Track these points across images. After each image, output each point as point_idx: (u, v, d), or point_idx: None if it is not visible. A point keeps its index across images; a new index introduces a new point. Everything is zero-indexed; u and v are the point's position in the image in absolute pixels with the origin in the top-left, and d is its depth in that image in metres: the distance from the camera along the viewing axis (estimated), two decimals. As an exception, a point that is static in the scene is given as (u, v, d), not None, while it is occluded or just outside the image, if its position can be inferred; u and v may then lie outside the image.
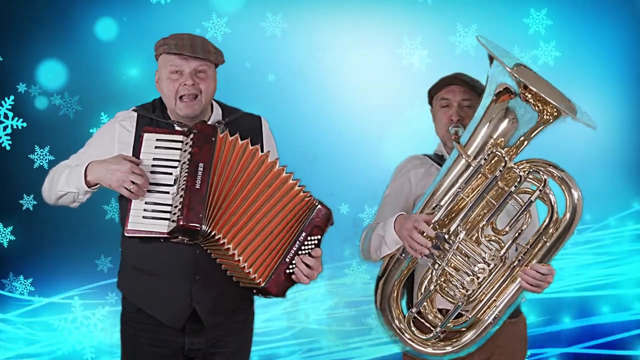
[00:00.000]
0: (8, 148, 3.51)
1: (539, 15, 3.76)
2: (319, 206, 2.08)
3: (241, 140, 2.07)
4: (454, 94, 2.27)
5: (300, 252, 2.05)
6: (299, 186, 2.08)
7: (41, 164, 3.55)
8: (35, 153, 3.54)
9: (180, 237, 1.98)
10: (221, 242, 1.99)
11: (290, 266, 2.05)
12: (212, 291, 2.13)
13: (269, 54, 3.67)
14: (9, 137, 3.51)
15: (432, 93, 2.34)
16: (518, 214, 2.04)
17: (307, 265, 2.04)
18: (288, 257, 2.04)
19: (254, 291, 2.10)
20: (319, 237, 2.07)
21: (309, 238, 2.06)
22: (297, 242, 2.05)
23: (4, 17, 3.45)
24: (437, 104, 2.31)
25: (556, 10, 3.75)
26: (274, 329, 3.74)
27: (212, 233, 1.97)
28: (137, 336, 2.18)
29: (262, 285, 2.02)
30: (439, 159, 2.32)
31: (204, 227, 1.94)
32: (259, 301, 2.27)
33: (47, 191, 2.15)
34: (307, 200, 2.08)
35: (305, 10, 3.70)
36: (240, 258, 1.99)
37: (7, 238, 3.58)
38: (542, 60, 3.77)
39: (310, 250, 2.06)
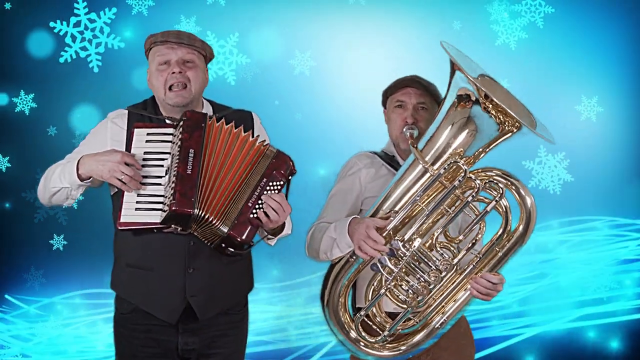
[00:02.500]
0: (64, 224, 3.65)
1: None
2: (278, 154, 2.10)
3: (227, 124, 2.10)
4: (410, 97, 2.24)
5: (262, 196, 2.07)
6: (258, 141, 2.11)
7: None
8: (64, 193, 3.63)
9: (173, 226, 2.01)
10: (212, 222, 2.01)
11: (255, 209, 2.05)
12: (206, 284, 2.14)
13: (297, 92, 3.71)
14: (65, 213, 3.65)
15: (387, 94, 2.32)
16: (473, 224, 2.03)
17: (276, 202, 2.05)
18: (250, 201, 2.06)
19: (223, 245, 2.08)
20: (282, 182, 2.09)
21: (270, 183, 2.08)
22: (259, 188, 2.07)
23: (38, 65, 3.65)
24: (392, 105, 2.28)
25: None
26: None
27: (205, 216, 2.00)
28: (130, 337, 2.19)
29: (226, 231, 2.02)
30: (389, 159, 2.29)
31: (196, 210, 1.97)
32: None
33: (42, 190, 2.18)
34: (265, 149, 2.11)
35: (334, 48, 3.73)
36: (217, 221, 2.01)
37: (39, 281, 3.67)
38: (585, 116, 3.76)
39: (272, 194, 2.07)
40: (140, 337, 2.17)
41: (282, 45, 3.70)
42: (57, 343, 3.66)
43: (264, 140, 2.13)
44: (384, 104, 2.34)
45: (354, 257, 2.11)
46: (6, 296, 3.65)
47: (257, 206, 2.05)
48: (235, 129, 2.10)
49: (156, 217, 2.02)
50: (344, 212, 2.24)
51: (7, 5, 3.60)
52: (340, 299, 2.17)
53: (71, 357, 3.67)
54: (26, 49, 3.63)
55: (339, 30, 3.71)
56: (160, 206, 2.02)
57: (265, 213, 2.04)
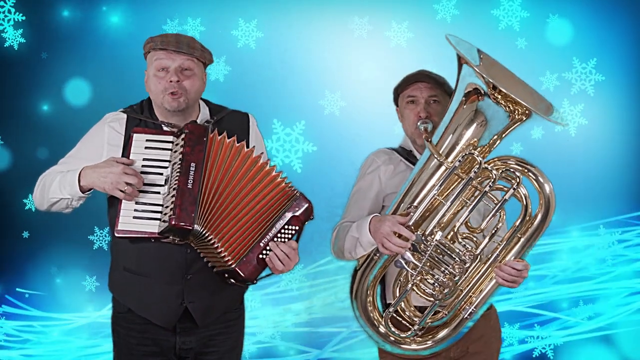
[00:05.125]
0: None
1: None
2: (300, 197, 2.11)
3: (229, 138, 2.12)
4: (421, 91, 2.28)
5: (276, 239, 2.07)
6: (280, 177, 2.12)
7: (100, 245, 3.72)
8: (95, 234, 3.72)
9: (171, 237, 2.03)
10: (210, 240, 2.02)
11: (264, 251, 2.06)
12: (204, 290, 2.16)
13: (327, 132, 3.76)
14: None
15: (398, 91, 2.36)
16: (492, 213, 2.06)
17: (284, 253, 2.06)
18: (262, 242, 2.06)
19: (226, 275, 2.09)
20: (297, 228, 2.09)
21: (286, 227, 2.08)
22: (274, 229, 2.07)
23: (75, 113, 3.75)
24: (404, 101, 2.32)
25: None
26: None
27: (204, 233, 2.01)
28: (128, 336, 2.20)
29: (232, 266, 2.03)
30: (407, 154, 2.33)
31: (196, 226, 1.99)
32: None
33: (39, 198, 2.18)
34: (288, 190, 2.12)
35: (362, 86, 3.77)
36: (219, 243, 2.02)
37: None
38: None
39: (286, 240, 2.08)
40: (137, 337, 2.18)
41: (312, 85, 3.76)
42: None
43: (267, 160, 2.13)
44: (396, 101, 2.38)
45: (378, 255, 2.16)
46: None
47: (268, 248, 2.06)
48: (238, 142, 2.11)
49: (154, 227, 2.01)
50: (365, 210, 2.27)
51: (44, 55, 3.72)
52: (368, 296, 2.22)
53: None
54: (63, 96, 3.74)
55: (370, 70, 3.75)
56: (158, 215, 2.01)
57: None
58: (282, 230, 2.07)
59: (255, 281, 2.07)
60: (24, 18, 3.70)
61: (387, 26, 3.73)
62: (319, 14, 3.74)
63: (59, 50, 3.72)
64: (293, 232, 2.08)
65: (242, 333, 2.32)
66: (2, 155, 3.76)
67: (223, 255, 2.02)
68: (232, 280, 2.08)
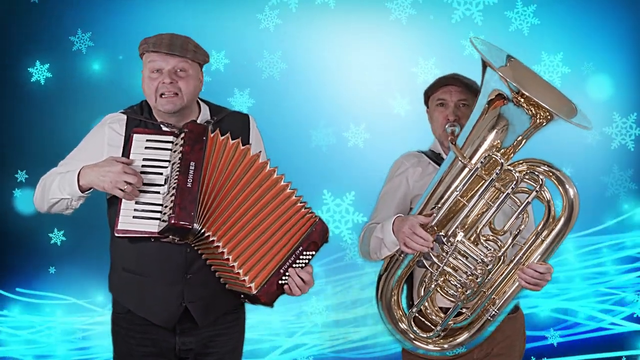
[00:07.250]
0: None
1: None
2: (318, 222, 2.11)
3: (231, 139, 2.11)
4: (451, 94, 2.30)
5: (294, 265, 2.08)
6: (294, 194, 2.12)
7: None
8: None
9: (171, 237, 2.02)
10: (211, 240, 2.01)
11: (284, 277, 2.07)
12: (204, 290, 2.15)
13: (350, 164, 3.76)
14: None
15: (429, 93, 2.38)
16: (515, 215, 2.06)
17: (302, 279, 2.07)
18: (282, 268, 2.06)
19: (242, 296, 2.09)
20: (314, 253, 2.10)
21: (304, 252, 2.09)
22: (293, 256, 2.08)
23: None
24: (434, 103, 2.34)
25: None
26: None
27: (204, 232, 2.00)
28: (128, 337, 2.20)
29: (254, 292, 2.03)
30: (435, 157, 2.34)
31: (195, 225, 1.97)
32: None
33: (39, 200, 2.18)
34: (306, 212, 2.12)
35: (387, 120, 3.76)
36: (235, 263, 2.02)
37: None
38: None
39: (303, 265, 2.09)
40: (136, 337, 2.17)
41: (337, 116, 3.76)
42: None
43: (274, 168, 2.11)
44: (426, 103, 2.39)
45: (402, 255, 2.18)
46: None
47: (287, 274, 2.06)
48: (243, 145, 2.10)
49: (154, 227, 2.01)
50: (392, 212, 2.28)
51: (71, 92, 3.75)
52: (392, 296, 2.24)
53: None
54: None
55: (396, 105, 3.75)
56: (157, 215, 2.01)
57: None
58: (301, 256, 2.08)
59: (272, 305, 2.08)
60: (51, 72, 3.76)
61: (414, 62, 3.73)
62: (344, 46, 3.74)
63: (86, 88, 3.75)
64: (310, 257, 2.09)
65: (242, 334, 2.31)
66: (29, 195, 3.78)
67: (241, 277, 2.02)
68: (247, 301, 2.08)
